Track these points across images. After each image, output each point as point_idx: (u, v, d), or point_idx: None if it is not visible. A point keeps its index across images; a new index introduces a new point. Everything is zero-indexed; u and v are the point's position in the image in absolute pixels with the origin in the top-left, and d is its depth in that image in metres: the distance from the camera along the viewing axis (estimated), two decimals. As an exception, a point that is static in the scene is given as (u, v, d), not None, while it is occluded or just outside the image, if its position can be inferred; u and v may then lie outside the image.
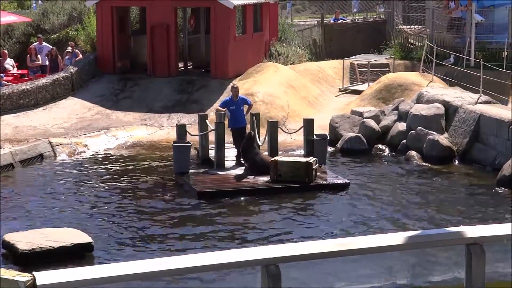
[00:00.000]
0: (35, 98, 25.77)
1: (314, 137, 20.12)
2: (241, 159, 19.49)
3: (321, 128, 22.36)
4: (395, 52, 30.63)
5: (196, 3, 29.95)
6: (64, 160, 21.60)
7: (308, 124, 20.25)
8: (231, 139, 20.13)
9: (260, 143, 20.07)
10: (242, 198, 17.68)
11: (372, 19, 37.93)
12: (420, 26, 31.66)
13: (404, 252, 12.68)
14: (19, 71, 29.60)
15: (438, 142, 20.97)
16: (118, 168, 20.80)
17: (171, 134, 23.15)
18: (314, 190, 18.22)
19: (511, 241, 10.90)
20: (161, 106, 26.30)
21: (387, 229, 15.27)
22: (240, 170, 19.26)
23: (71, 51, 28.96)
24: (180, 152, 19.23)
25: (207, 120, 20.64)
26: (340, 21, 35.53)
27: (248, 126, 20.38)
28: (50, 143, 22.14)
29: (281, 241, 14.52)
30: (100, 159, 21.81)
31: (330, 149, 21.57)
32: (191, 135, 20.30)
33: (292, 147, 22.49)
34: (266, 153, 19.99)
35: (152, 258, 11.86)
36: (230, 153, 19.98)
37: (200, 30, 31.26)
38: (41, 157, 21.48)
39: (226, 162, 19.81)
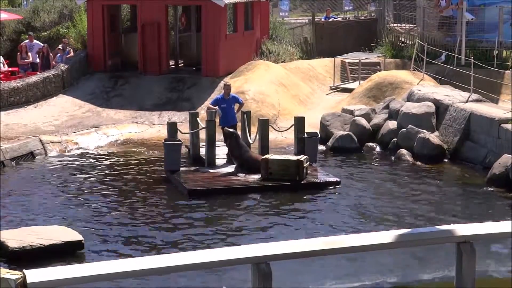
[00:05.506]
0: (26, 95, 25.71)
1: (305, 135, 20.13)
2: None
3: (312, 126, 22.36)
4: (386, 50, 30.66)
5: (187, 1, 29.95)
6: (54, 157, 21.56)
7: (299, 122, 20.26)
8: (222, 137, 20.12)
9: (251, 141, 20.07)
10: (232, 196, 17.65)
11: (363, 17, 37.96)
12: (411, 25, 31.72)
13: (395, 250, 12.71)
14: (10, 69, 29.54)
15: (428, 140, 21.00)
16: (108, 166, 20.76)
17: (162, 132, 23.13)
18: (305, 188, 18.22)
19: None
20: (152, 104, 26.28)
21: (377, 228, 15.28)
22: (231, 168, 19.25)
23: (62, 48, 28.89)
24: (171, 150, 19.22)
25: (198, 118, 20.63)
26: (331, 20, 35.53)
27: (239, 124, 20.38)
28: (40, 140, 22.09)
29: (271, 240, 14.52)
30: (90, 156, 21.78)
31: (321, 147, 21.57)
32: (182, 133, 20.29)
33: (283, 145, 22.50)
34: (256, 151, 19.99)
35: (143, 256, 11.88)
36: (221, 151, 19.98)
37: (191, 28, 31.25)
38: (31, 154, 21.43)
39: (217, 160, 19.82)
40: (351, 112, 23.71)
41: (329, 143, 22.48)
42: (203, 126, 19.94)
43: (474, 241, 10.27)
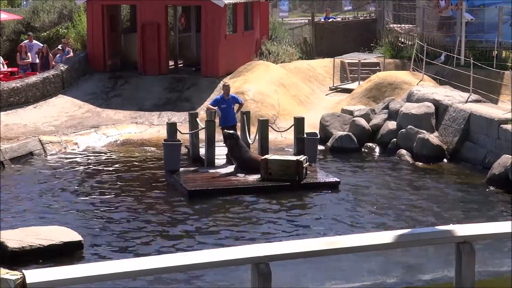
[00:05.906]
0: (25, 96, 25.71)
1: (305, 135, 20.13)
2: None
3: (311, 126, 22.37)
4: (386, 51, 30.66)
5: (187, 2, 29.96)
6: (54, 158, 21.55)
7: (299, 123, 20.25)
8: (221, 137, 20.11)
9: (250, 142, 20.07)
10: (232, 197, 17.65)
11: (362, 18, 37.97)
12: (410, 25, 31.71)
13: (395, 250, 12.72)
14: (9, 69, 29.54)
15: (428, 140, 21.01)
16: (108, 166, 20.76)
17: (162, 132, 23.13)
18: (304, 189, 18.21)
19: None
20: (152, 104, 26.28)
21: (377, 228, 15.28)
22: (231, 169, 19.25)
23: (61, 48, 28.90)
24: (171, 151, 19.21)
25: (197, 119, 20.64)
26: (330, 20, 35.55)
27: (239, 124, 20.38)
28: (40, 141, 22.09)
29: (271, 240, 14.52)
30: (90, 157, 21.77)
31: (320, 147, 21.57)
32: (181, 133, 20.29)
33: (282, 145, 22.50)
34: (256, 151, 19.99)
35: (142, 256, 11.87)
36: (221, 151, 19.98)
37: (190, 28, 31.25)
38: (31, 155, 21.43)
39: (216, 161, 19.81)
40: (350, 113, 23.72)
41: (328, 144, 22.49)
42: (203, 126, 19.94)
43: (473, 241, 10.27)
